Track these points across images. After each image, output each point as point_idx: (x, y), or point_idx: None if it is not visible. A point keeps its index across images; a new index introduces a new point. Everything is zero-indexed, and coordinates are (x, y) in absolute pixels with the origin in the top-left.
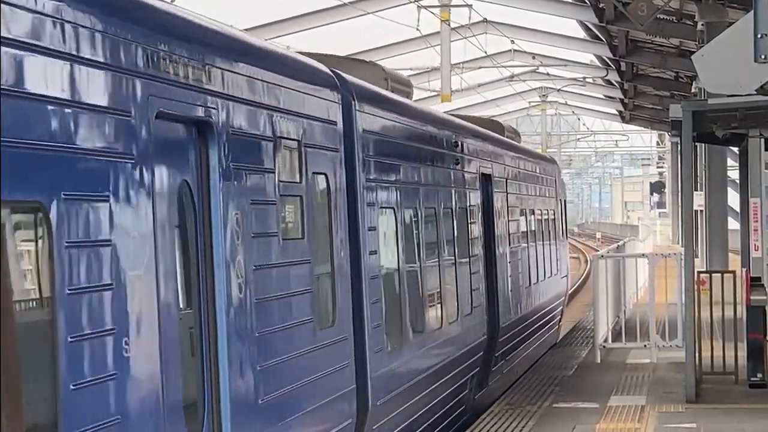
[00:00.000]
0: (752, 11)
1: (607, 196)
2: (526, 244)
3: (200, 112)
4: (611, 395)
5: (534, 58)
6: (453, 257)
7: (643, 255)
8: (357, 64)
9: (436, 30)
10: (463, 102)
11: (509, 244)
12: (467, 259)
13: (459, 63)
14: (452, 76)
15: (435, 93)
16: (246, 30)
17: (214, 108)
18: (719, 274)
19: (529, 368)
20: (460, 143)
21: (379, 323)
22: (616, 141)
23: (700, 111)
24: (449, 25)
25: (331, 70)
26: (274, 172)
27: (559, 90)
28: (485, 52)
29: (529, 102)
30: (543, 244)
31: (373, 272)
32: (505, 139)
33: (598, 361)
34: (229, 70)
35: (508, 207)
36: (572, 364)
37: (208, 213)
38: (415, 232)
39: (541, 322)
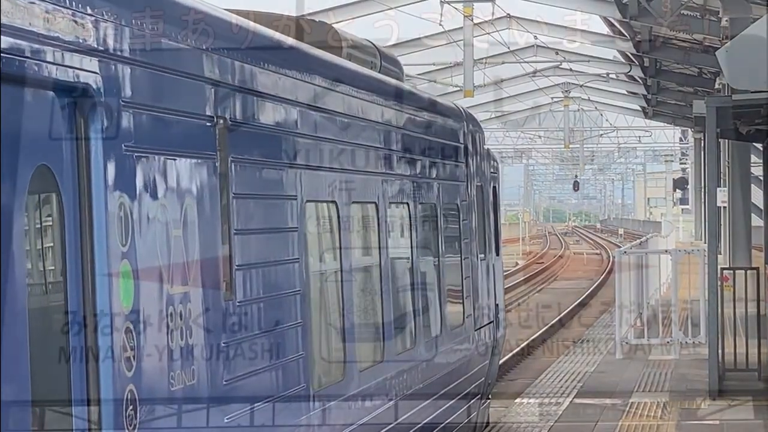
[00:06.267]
0: None
1: (629, 192)
2: (334, 285)
3: None
4: (633, 391)
5: (557, 53)
6: None
7: (666, 251)
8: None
9: (459, 26)
10: (485, 97)
11: (221, 297)
12: None
13: (482, 58)
14: (475, 72)
15: (458, 88)
16: None
17: None
18: (742, 271)
19: None
20: None
21: None
22: (639, 137)
23: (724, 107)
24: (472, 20)
25: None
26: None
27: (582, 86)
28: (508, 48)
29: (552, 98)
30: (414, 276)
31: None
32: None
33: (620, 357)
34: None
35: (226, 192)
36: (594, 360)
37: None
38: None
39: None
